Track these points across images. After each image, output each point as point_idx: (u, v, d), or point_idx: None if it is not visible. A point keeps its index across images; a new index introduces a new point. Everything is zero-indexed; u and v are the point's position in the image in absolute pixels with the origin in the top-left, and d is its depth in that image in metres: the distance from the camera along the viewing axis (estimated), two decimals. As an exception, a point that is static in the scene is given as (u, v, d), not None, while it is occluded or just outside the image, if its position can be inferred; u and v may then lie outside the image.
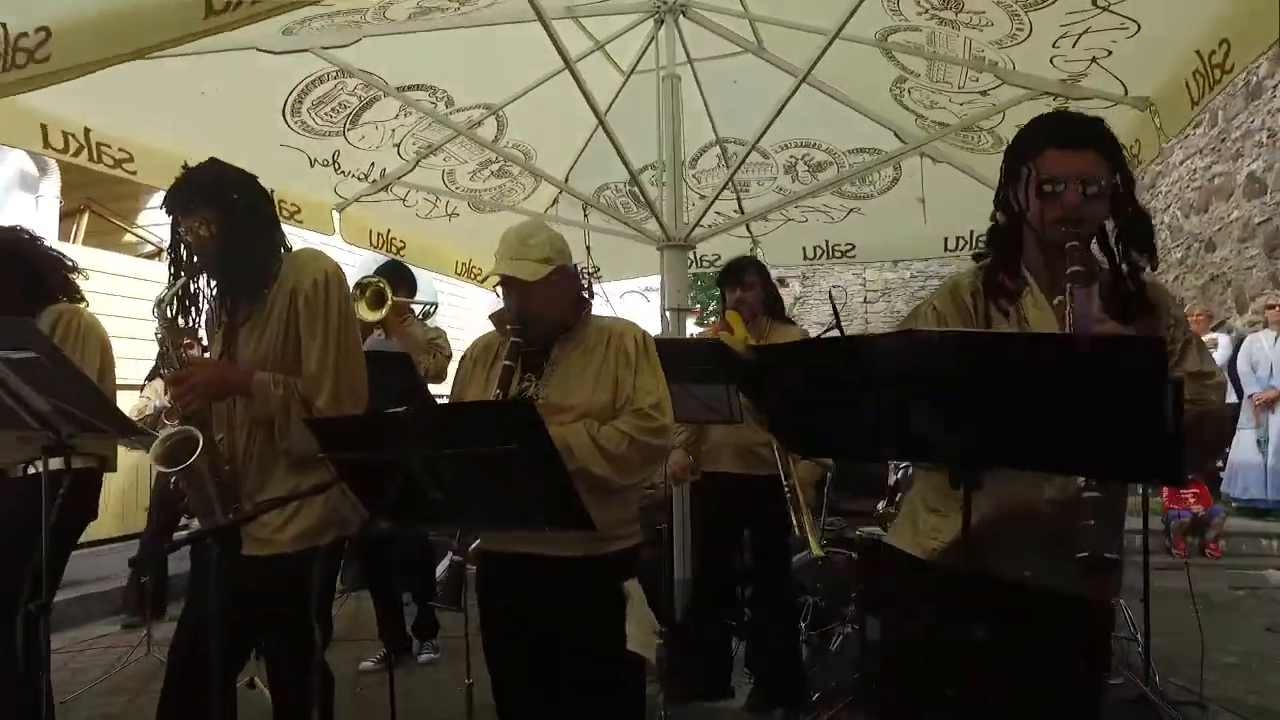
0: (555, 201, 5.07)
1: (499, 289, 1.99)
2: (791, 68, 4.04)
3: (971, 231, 4.96)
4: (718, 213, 5.13)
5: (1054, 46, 2.92)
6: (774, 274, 3.93)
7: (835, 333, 3.35)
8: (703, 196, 5.35)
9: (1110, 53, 2.86)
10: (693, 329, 4.57)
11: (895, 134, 4.39)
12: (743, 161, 3.53)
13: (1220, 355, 7.32)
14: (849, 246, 5.60)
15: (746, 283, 3.43)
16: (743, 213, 5.40)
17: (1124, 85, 3.08)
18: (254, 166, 2.13)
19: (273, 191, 2.20)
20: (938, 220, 4.83)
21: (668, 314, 3.65)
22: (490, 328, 2.10)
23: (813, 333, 6.80)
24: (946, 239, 5.18)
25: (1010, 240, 1.66)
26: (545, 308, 1.95)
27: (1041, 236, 1.58)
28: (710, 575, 3.53)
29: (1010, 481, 1.52)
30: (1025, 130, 1.65)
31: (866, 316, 15.27)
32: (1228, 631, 4.36)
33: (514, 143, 4.36)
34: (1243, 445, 6.83)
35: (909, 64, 3.56)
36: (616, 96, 4.34)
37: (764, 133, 3.36)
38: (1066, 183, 1.54)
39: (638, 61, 4.19)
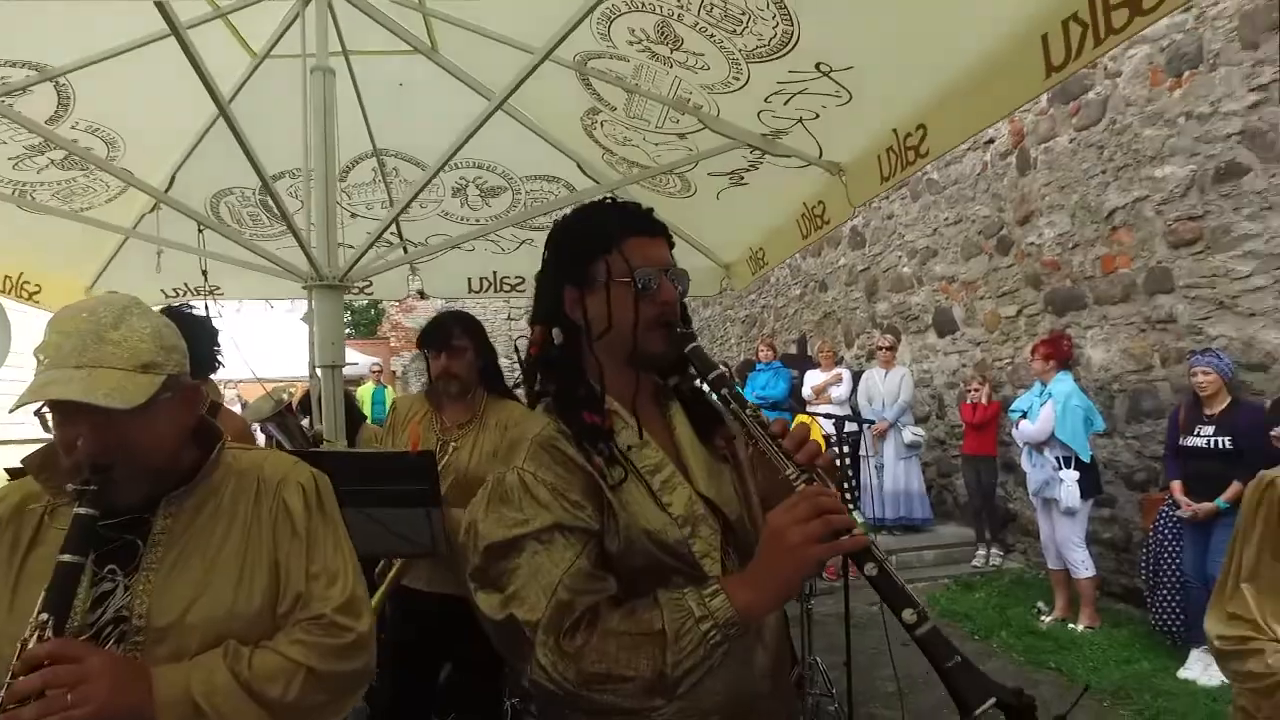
0: (155, 208, 3.86)
1: (49, 416, 1.22)
2: (470, 79, 3.49)
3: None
4: (387, 241, 4.40)
5: (765, 101, 2.73)
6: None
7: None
8: (354, 215, 4.58)
9: (818, 116, 2.74)
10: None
11: (579, 166, 4.05)
12: (423, 187, 2.81)
13: (844, 391, 8.22)
14: (518, 280, 5.19)
15: (455, 349, 2.70)
16: (402, 238, 4.72)
17: (820, 148, 3.01)
18: None
19: None
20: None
21: (319, 373, 2.82)
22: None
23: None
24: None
25: (576, 364, 1.30)
26: (146, 448, 1.22)
27: (656, 342, 1.28)
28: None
29: (725, 666, 1.17)
30: (583, 223, 1.33)
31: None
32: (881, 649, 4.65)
33: (87, 125, 3.17)
34: (866, 472, 7.68)
35: (606, 94, 3.18)
36: (243, 84, 3.37)
37: (452, 155, 2.72)
38: (659, 274, 1.27)
39: (275, 44, 3.28)
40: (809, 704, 3.64)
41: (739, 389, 1.26)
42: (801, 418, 8.57)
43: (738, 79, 2.63)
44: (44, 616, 1.06)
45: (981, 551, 7.35)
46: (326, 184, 2.82)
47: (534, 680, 1.13)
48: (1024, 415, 5.69)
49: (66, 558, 1.10)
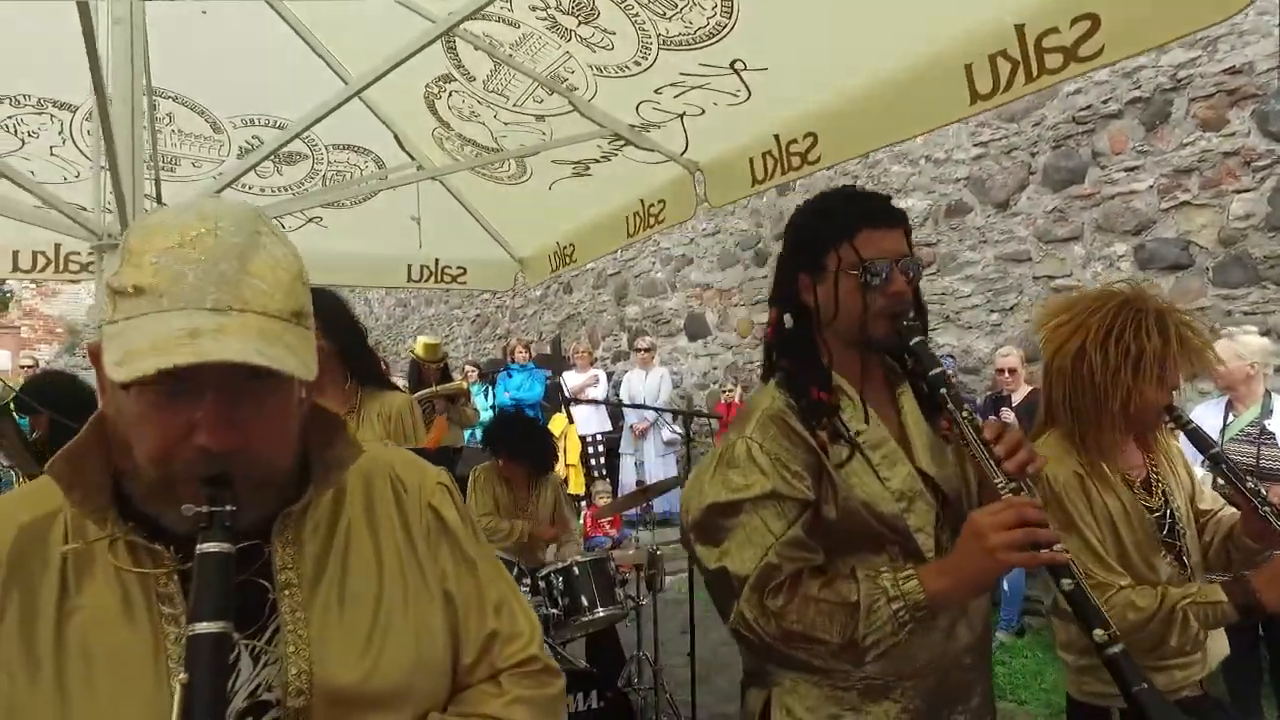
0: None
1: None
2: (293, 18, 3.00)
3: (437, 261, 4.54)
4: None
5: (655, 92, 2.68)
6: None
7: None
8: (102, 167, 3.72)
9: (703, 112, 2.75)
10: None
11: (397, 139, 3.68)
12: (279, 149, 2.34)
13: (601, 391, 8.39)
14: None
15: None
16: (159, 200, 3.93)
17: (687, 145, 3.02)
18: None
19: None
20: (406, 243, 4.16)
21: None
22: None
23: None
24: (411, 266, 4.62)
25: (810, 344, 1.38)
26: (276, 444, 0.87)
27: (882, 330, 1.33)
28: None
29: (920, 636, 1.27)
30: (821, 212, 1.39)
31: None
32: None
33: None
34: (626, 468, 7.90)
35: (469, 62, 2.92)
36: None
37: (310, 127, 2.31)
38: (890, 266, 1.31)
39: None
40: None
41: (956, 389, 1.26)
42: (558, 418, 8.63)
43: (639, 64, 2.54)
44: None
45: (731, 541, 7.92)
46: (133, 119, 2.24)
47: (733, 628, 1.27)
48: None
49: (207, 628, 0.72)
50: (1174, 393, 1.76)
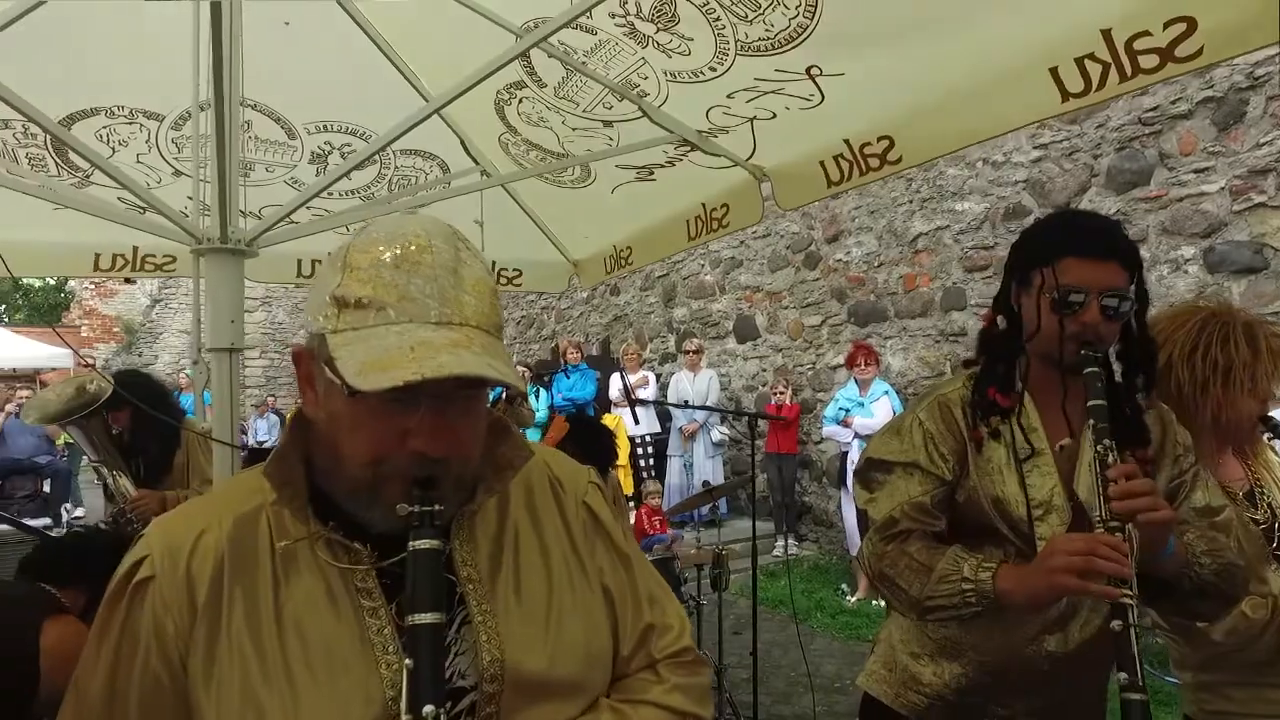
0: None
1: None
2: (368, 23, 3.09)
3: (494, 263, 4.60)
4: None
5: (728, 97, 2.70)
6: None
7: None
8: (177, 173, 3.85)
9: (774, 116, 2.76)
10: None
11: (464, 144, 3.75)
12: (364, 161, 2.42)
13: (651, 393, 8.42)
14: (355, 265, 4.68)
15: None
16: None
17: (755, 148, 3.03)
18: None
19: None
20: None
21: (206, 358, 2.33)
22: None
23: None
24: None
25: (1009, 350, 1.51)
26: (474, 447, 0.93)
27: (1058, 351, 1.43)
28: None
29: (1005, 627, 1.41)
30: (1039, 231, 1.55)
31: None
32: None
33: None
34: (674, 470, 7.92)
35: (542, 70, 2.97)
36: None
37: (396, 138, 2.39)
38: (1088, 295, 1.39)
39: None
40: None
41: (1105, 425, 1.32)
42: (608, 418, 8.68)
43: (714, 70, 2.57)
44: (430, 709, 0.74)
45: (781, 542, 7.90)
46: (230, 127, 2.34)
47: (858, 555, 1.57)
48: (847, 412, 6.21)
49: (424, 618, 0.77)
50: (1267, 403, 1.75)
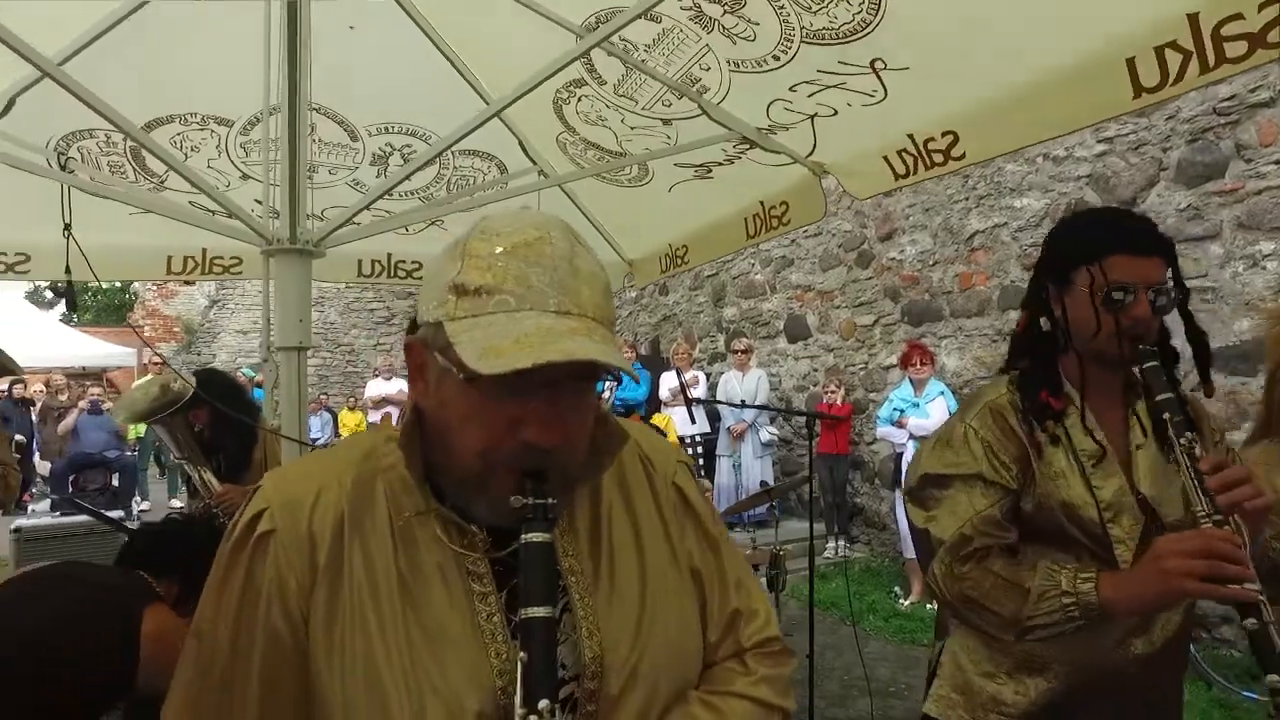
0: None
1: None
2: (429, 25, 3.13)
3: None
4: (275, 211, 3.87)
5: (790, 90, 2.66)
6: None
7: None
8: (245, 177, 3.95)
9: (836, 113, 2.71)
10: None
11: (521, 145, 3.77)
12: (426, 164, 2.46)
13: (701, 392, 8.39)
14: (415, 265, 4.75)
15: None
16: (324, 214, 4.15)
17: (815, 145, 2.99)
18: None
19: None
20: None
21: (275, 356, 2.38)
22: None
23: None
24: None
25: (1052, 351, 1.48)
26: (583, 438, 0.93)
27: (1115, 349, 1.40)
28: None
29: (1090, 634, 1.34)
30: (1077, 229, 1.52)
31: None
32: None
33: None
34: (723, 470, 7.89)
35: (602, 67, 2.98)
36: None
37: (458, 140, 2.41)
38: (1136, 291, 1.38)
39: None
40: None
41: (1184, 416, 1.29)
42: (658, 417, 8.67)
43: (778, 58, 2.53)
44: (545, 703, 0.75)
45: (832, 543, 7.80)
46: (299, 130, 2.39)
47: (927, 581, 1.47)
48: (902, 413, 6.10)
49: (537, 612, 0.78)
50: None
